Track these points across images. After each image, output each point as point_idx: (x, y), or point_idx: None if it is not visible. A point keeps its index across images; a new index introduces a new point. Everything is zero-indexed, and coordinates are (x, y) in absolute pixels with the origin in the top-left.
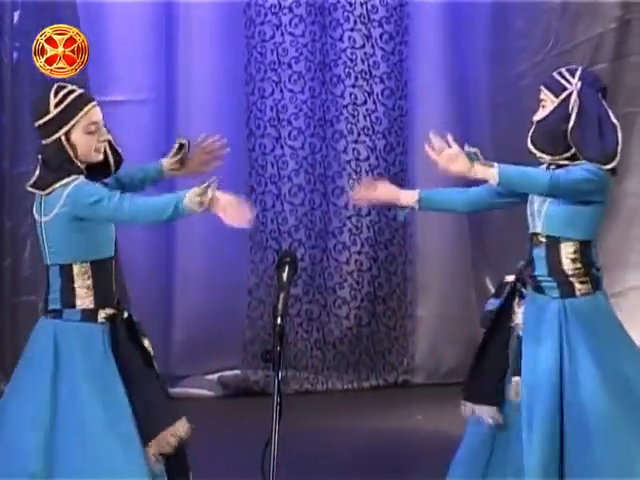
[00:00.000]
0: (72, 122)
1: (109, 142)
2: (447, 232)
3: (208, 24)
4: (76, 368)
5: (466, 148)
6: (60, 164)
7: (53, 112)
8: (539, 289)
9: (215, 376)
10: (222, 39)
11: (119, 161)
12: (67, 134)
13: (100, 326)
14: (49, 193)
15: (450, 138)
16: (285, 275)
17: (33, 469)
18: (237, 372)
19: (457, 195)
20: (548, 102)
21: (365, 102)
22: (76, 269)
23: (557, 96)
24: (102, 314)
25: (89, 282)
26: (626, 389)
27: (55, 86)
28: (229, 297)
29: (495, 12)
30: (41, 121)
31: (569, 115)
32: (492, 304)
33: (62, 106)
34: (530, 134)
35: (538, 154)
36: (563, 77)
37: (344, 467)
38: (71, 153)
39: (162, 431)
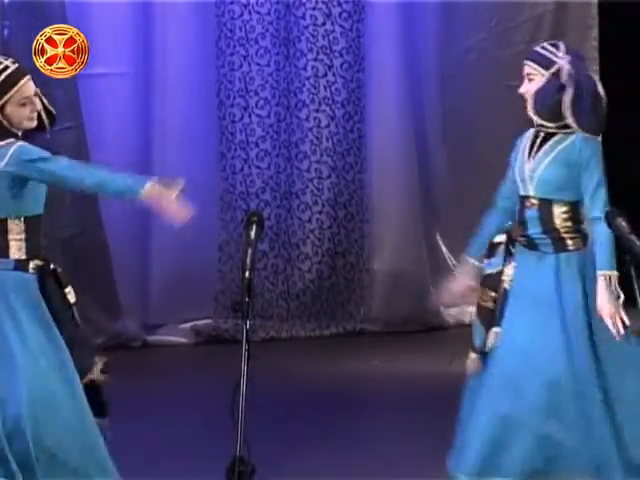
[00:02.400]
0: (5, 98)
1: (42, 103)
2: (400, 193)
3: (182, 4)
4: (19, 313)
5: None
6: None
7: None
8: (532, 246)
9: (189, 325)
10: (194, 17)
11: (52, 120)
12: (2, 107)
13: (31, 276)
14: None
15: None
16: (253, 232)
17: None
18: (209, 321)
19: (494, 222)
20: (537, 75)
21: (325, 74)
22: (10, 224)
23: (547, 69)
24: (32, 265)
25: (22, 236)
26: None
27: None
28: (202, 253)
29: None
30: None
31: (563, 86)
32: (490, 265)
33: None
34: (532, 105)
35: (541, 122)
36: (549, 52)
37: (307, 407)
38: (6, 123)
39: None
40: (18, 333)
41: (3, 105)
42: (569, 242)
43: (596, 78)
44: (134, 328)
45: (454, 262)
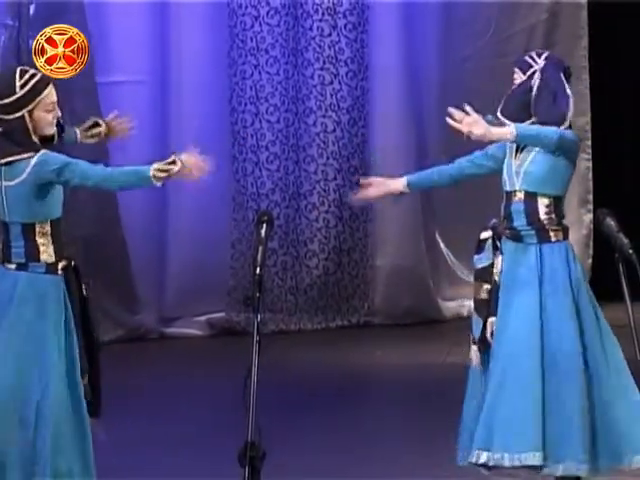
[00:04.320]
0: (36, 101)
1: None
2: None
3: (196, 16)
4: (51, 315)
5: (486, 117)
6: (21, 139)
7: (19, 92)
8: (517, 238)
9: (203, 318)
10: (208, 29)
11: (61, 131)
12: (30, 112)
13: (60, 277)
14: (10, 163)
15: (469, 108)
16: (263, 231)
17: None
18: (222, 314)
19: (439, 175)
20: (518, 79)
21: (331, 82)
22: (38, 228)
23: (525, 73)
24: (60, 265)
25: (49, 239)
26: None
27: (19, 69)
28: (215, 250)
29: (443, 4)
30: (7, 100)
31: (532, 88)
32: (481, 259)
33: (27, 87)
34: (500, 106)
35: (505, 122)
36: (531, 58)
37: (313, 395)
38: (31, 128)
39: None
40: (53, 336)
41: (32, 109)
42: (552, 234)
43: (565, 82)
44: (152, 321)
45: (452, 259)
